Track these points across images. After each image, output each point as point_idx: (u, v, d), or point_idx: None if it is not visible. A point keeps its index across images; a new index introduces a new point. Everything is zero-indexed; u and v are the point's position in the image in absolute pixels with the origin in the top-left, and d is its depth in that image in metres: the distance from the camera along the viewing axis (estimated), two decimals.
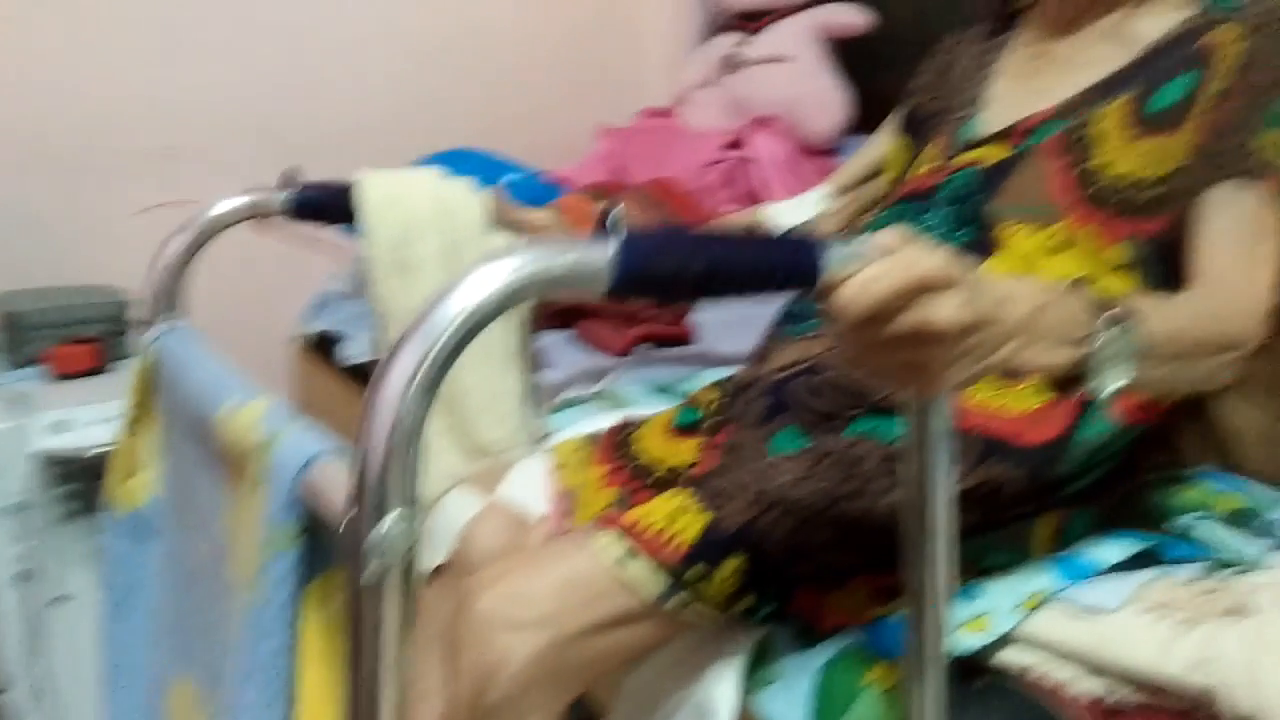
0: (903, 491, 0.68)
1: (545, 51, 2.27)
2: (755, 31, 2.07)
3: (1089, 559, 0.90)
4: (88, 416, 1.50)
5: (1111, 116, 0.94)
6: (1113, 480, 0.93)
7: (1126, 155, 0.93)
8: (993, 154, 0.99)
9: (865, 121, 1.90)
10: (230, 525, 0.81)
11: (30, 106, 1.83)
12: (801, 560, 0.85)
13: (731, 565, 0.83)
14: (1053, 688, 0.82)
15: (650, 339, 1.54)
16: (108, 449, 1.06)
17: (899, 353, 0.59)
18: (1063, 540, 0.92)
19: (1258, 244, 0.85)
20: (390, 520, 0.55)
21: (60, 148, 1.86)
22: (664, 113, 2.17)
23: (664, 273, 0.58)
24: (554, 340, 1.55)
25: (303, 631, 0.71)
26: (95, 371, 1.64)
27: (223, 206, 1.03)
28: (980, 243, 0.96)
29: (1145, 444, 0.94)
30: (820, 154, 1.97)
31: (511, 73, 2.23)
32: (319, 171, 1.11)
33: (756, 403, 0.98)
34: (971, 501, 0.83)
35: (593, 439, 1.04)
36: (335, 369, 1.81)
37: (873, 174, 1.18)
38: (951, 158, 1.02)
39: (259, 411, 0.78)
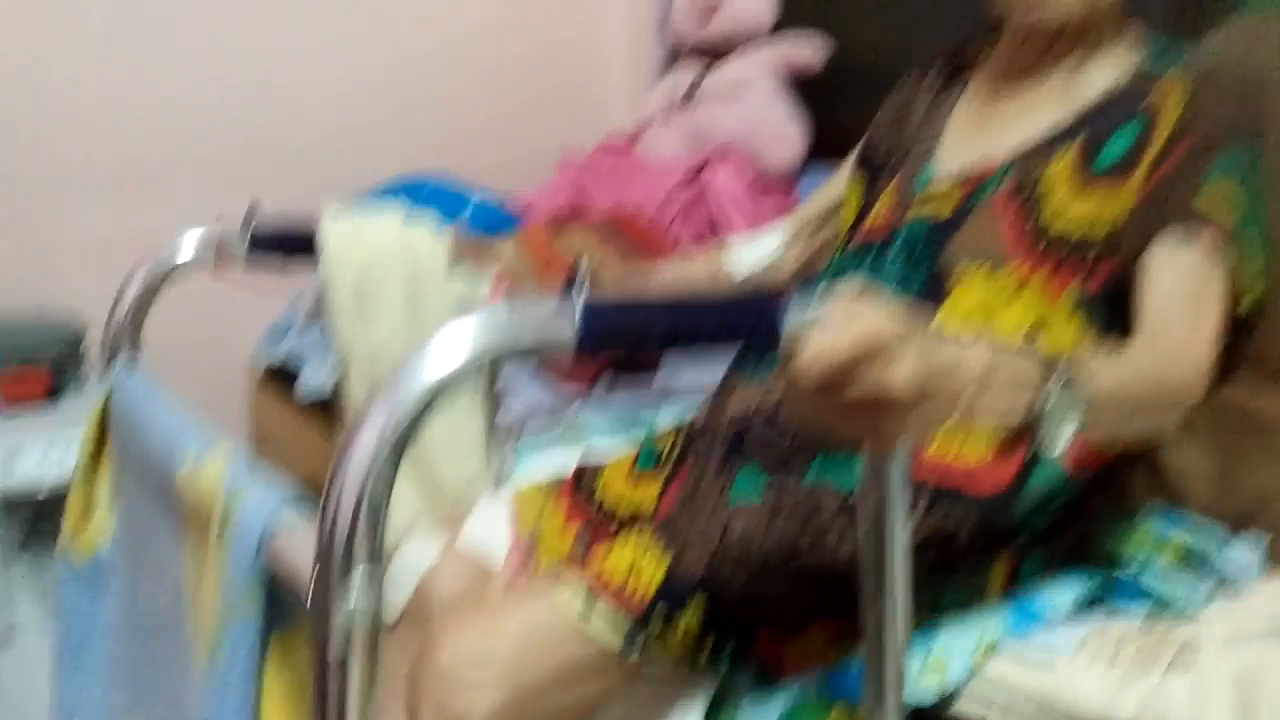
0: (860, 541, 0.70)
1: (508, 75, 2.27)
2: (714, 64, 2.09)
3: (1041, 603, 0.93)
4: (38, 450, 1.48)
5: (1060, 168, 0.97)
6: (1064, 521, 0.96)
7: (1075, 206, 0.95)
8: (946, 204, 1.02)
9: (822, 152, 1.93)
10: (190, 581, 0.80)
11: None
12: (761, 608, 0.86)
13: (692, 614, 0.84)
14: None
15: (615, 365, 1.54)
16: (59, 489, 1.05)
17: (855, 414, 0.61)
18: (1017, 579, 0.94)
19: (1201, 297, 0.87)
20: (356, 584, 0.55)
21: (10, 170, 1.83)
22: (623, 145, 2.19)
23: (628, 335, 0.61)
24: (515, 371, 1.55)
25: (265, 689, 0.71)
26: (49, 398, 1.61)
27: (184, 248, 1.03)
28: (934, 291, 0.98)
29: (1095, 485, 0.96)
30: (779, 184, 1.99)
31: (473, 95, 2.23)
32: (280, 194, 1.09)
33: (718, 443, 0.99)
34: (925, 549, 0.85)
35: (555, 481, 1.05)
36: (294, 403, 1.79)
37: (832, 213, 1.20)
38: (906, 204, 1.05)
39: (219, 468, 0.77)
